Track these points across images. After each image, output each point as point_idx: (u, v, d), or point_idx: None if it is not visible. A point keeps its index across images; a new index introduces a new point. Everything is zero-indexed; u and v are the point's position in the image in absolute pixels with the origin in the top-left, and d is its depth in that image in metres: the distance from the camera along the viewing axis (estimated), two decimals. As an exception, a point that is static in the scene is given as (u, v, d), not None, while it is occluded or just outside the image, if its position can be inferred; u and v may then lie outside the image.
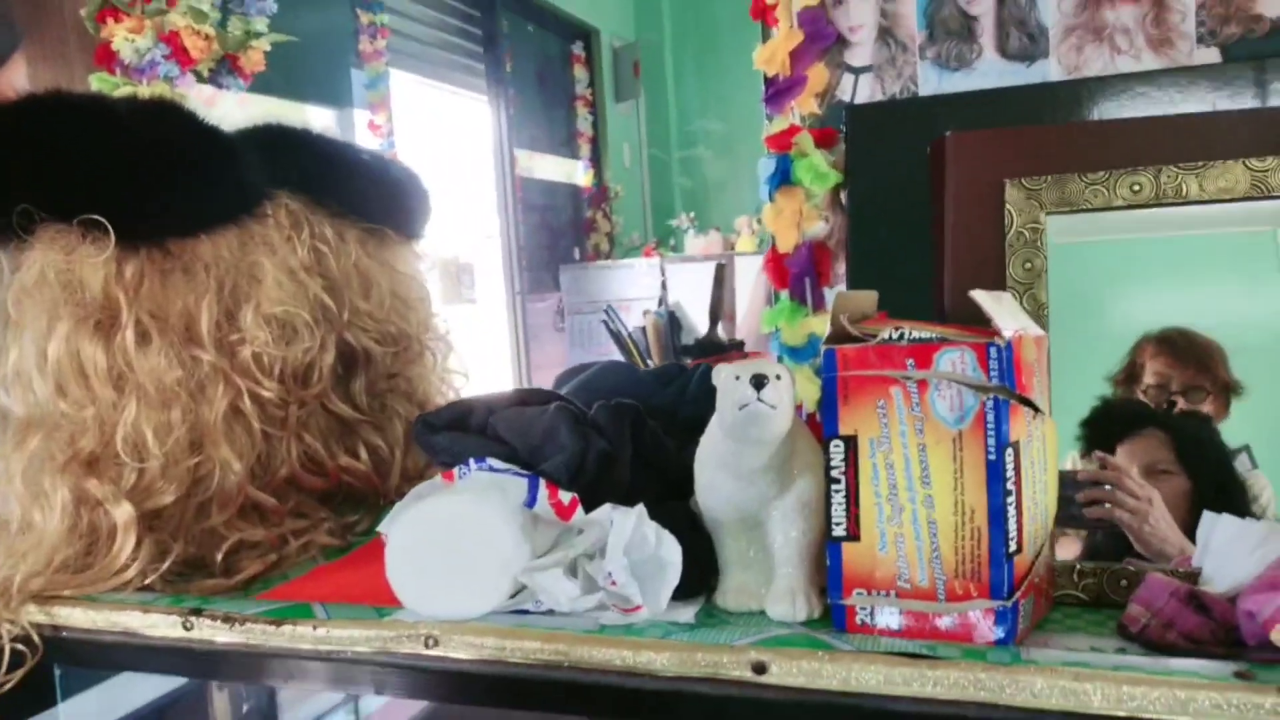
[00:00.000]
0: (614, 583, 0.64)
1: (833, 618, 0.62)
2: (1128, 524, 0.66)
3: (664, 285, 3.72)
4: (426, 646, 0.62)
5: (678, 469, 0.76)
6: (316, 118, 2.74)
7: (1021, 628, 0.59)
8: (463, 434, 0.77)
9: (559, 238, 4.39)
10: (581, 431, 0.75)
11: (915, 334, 0.60)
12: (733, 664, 0.57)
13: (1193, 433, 0.67)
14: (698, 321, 1.33)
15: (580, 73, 4.62)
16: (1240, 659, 0.53)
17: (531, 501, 0.69)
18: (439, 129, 3.66)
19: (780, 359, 0.79)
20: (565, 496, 0.71)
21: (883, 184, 0.83)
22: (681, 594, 0.70)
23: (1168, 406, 0.67)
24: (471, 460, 0.73)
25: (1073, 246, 0.70)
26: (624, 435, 0.76)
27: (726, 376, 0.64)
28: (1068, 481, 0.67)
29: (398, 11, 3.24)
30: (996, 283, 0.71)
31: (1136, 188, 0.68)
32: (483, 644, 0.61)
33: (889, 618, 0.61)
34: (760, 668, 0.56)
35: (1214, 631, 0.57)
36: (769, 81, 0.84)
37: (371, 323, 0.91)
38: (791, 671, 0.56)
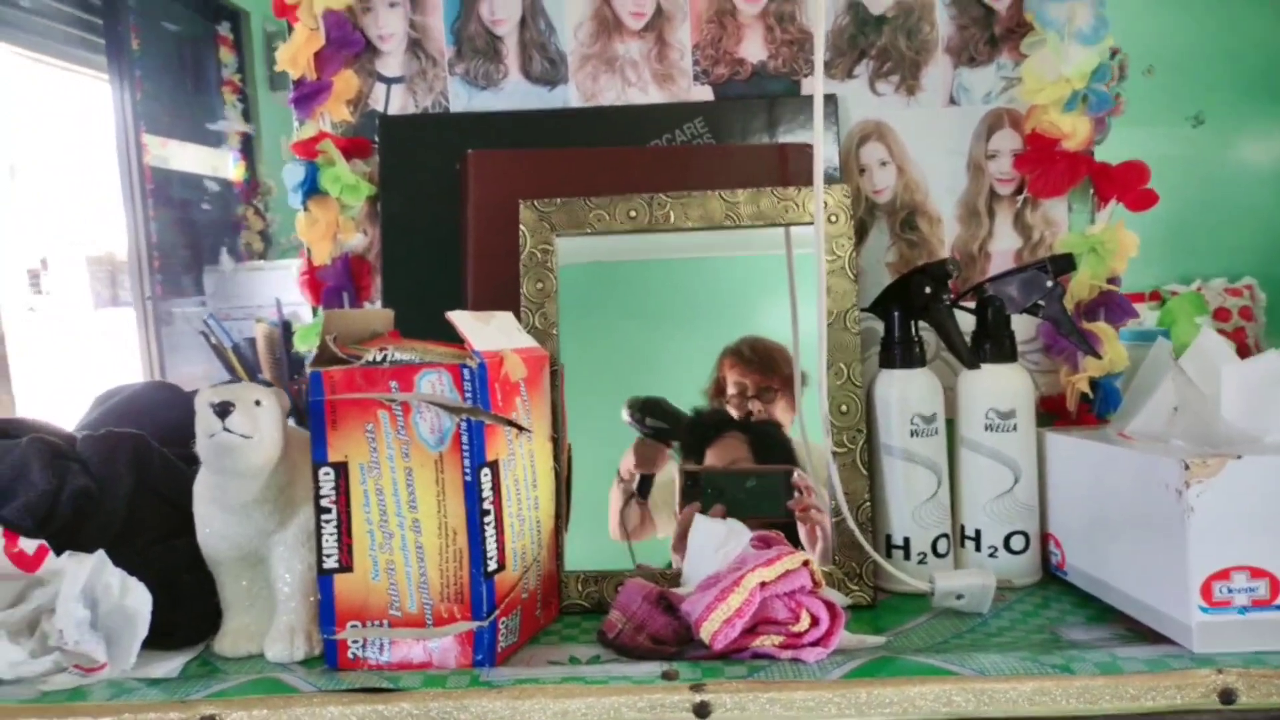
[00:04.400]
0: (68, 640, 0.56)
1: (325, 654, 0.60)
2: (821, 524, 0.70)
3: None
4: None
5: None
6: None
7: (505, 645, 0.60)
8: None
9: (204, 236, 4.01)
10: (58, 468, 0.66)
11: (397, 355, 0.59)
12: (180, 723, 0.52)
13: (762, 434, 0.73)
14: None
15: (228, 56, 4.25)
16: (684, 658, 0.57)
17: (-25, 554, 0.60)
18: (44, 110, 3.19)
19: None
20: (30, 545, 0.62)
21: (416, 198, 0.82)
22: (175, 643, 0.64)
23: (745, 414, 0.73)
24: (-101, 509, 0.61)
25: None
26: (116, 468, 0.68)
27: (200, 402, 0.59)
28: (783, 484, 0.71)
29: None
30: (515, 302, 0.72)
31: (633, 214, 0.72)
32: None
33: (378, 650, 0.59)
34: (210, 723, 0.52)
35: (678, 631, 0.61)
36: (296, 84, 0.80)
37: None
38: (243, 723, 0.52)
